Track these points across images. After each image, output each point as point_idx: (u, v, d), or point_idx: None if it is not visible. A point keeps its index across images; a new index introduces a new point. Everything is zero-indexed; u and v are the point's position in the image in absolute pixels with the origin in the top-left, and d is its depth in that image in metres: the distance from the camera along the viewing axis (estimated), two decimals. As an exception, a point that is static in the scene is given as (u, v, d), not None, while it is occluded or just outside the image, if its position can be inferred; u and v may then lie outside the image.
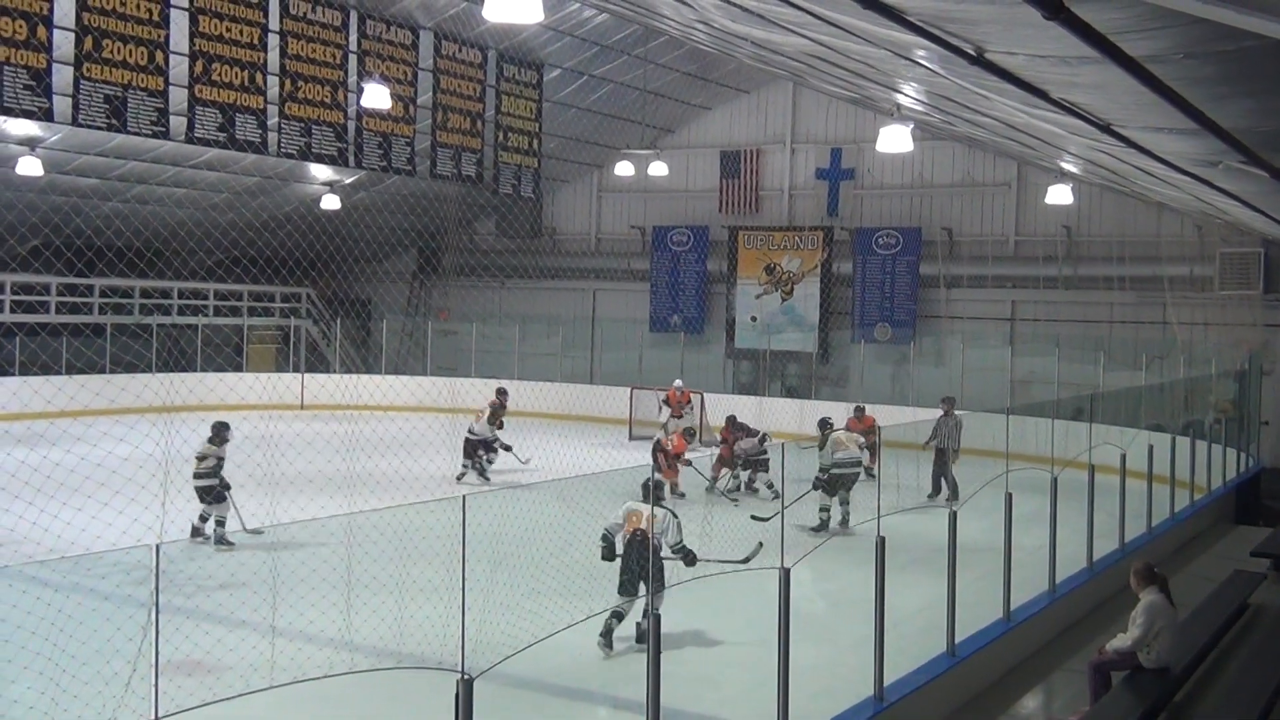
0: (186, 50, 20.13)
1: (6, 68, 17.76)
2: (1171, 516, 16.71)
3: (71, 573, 12.88)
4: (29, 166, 23.46)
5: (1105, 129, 9.18)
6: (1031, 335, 28.72)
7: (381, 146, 23.97)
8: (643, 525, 10.43)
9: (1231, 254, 25.77)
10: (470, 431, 20.30)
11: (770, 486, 18.04)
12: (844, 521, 16.28)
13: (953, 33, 6.84)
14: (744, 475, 19.13)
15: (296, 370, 32.14)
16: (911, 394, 27.28)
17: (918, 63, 9.43)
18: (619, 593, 10.41)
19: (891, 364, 29.58)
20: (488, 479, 20.00)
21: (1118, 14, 5.18)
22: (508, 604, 7.86)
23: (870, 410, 21.03)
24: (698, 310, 33.09)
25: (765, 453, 18.70)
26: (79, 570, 12.93)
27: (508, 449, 20.30)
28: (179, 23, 20.02)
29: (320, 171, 28.83)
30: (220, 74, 20.53)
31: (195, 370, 29.85)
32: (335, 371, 32.58)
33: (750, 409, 25.20)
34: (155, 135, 20.14)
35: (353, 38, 22.95)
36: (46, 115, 18.65)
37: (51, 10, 18.26)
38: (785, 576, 7.77)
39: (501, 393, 21.64)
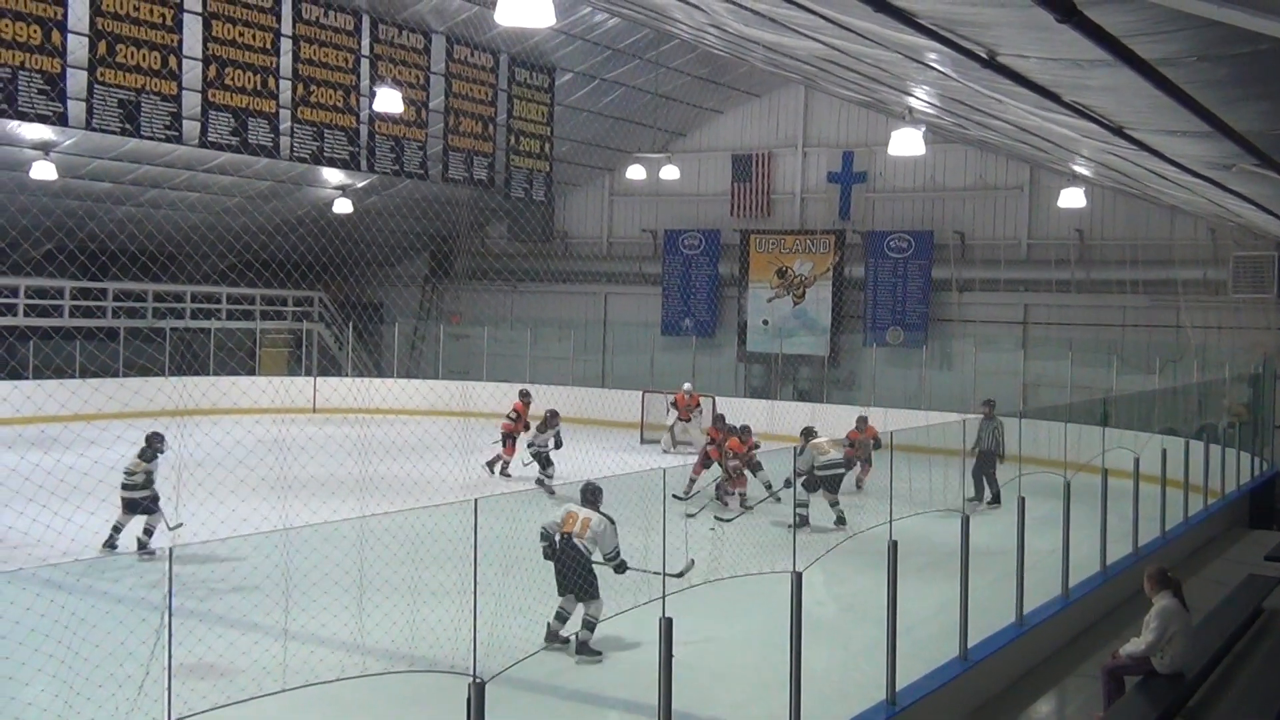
0: (200, 55, 20.21)
1: (21, 73, 17.85)
2: (1185, 521, 16.64)
3: (85, 575, 12.93)
4: (43, 171, 23.55)
5: (1118, 132, 9.16)
6: (1044, 339, 28.64)
7: (394, 150, 24.03)
8: (574, 529, 10.45)
9: (1245, 257, 25.67)
10: (530, 445, 19.73)
11: (769, 487, 17.98)
12: (839, 520, 16.30)
13: (964, 36, 6.83)
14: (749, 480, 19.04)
15: (309, 374, 32.21)
16: (924, 398, 27.22)
17: (929, 66, 9.42)
18: (559, 593, 10.48)
19: (903, 367, 29.53)
20: (553, 492, 18.39)
21: (1130, 17, 5.17)
22: (520, 607, 7.85)
23: (883, 414, 20.99)
24: (709, 314, 33.08)
25: (754, 455, 18.77)
26: (92, 573, 12.99)
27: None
28: (192, 27, 20.11)
29: (332, 175, 28.89)
30: (233, 78, 20.61)
31: (208, 374, 29.92)
32: (347, 375, 32.66)
33: (762, 413, 25.20)
34: (168, 139, 20.25)
35: (365, 42, 23.02)
36: (60, 120, 18.73)
37: (65, 15, 18.34)
38: (797, 580, 7.77)
39: (525, 395, 21.61)
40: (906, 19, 6.49)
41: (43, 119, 18.60)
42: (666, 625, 6.88)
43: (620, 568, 10.47)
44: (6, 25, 17.57)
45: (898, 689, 8.71)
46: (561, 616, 10.57)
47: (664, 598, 6.77)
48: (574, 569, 10.37)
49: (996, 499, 17.37)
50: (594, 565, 10.53)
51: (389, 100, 21.66)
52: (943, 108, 15.20)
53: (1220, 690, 10.45)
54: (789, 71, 21.02)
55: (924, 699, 8.91)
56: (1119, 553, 13.73)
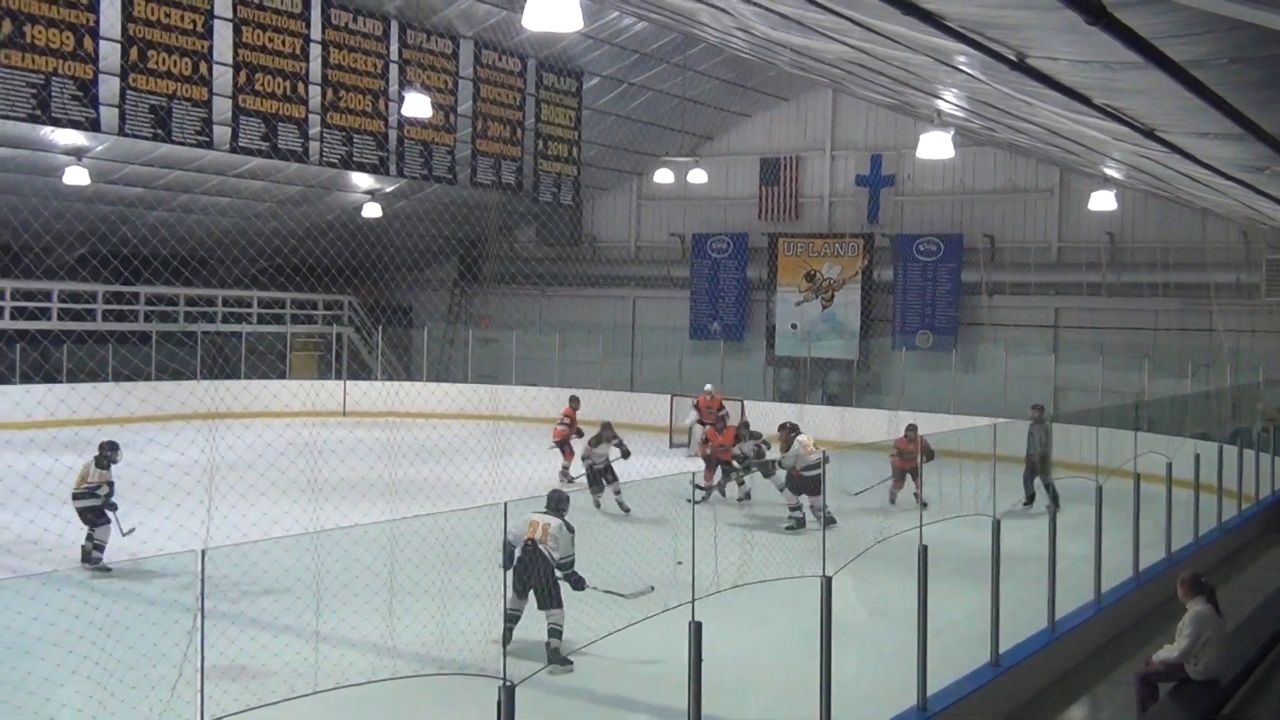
0: (230, 61, 20.35)
1: (54, 79, 18.01)
2: (1219, 526, 16.50)
3: (118, 578, 13.04)
4: (76, 176, 23.79)
5: (1149, 134, 9.10)
6: (1075, 342, 28.46)
7: (422, 155, 24.12)
8: (536, 534, 10.42)
9: (1278, 260, 25.44)
10: (585, 458, 18.64)
11: (782, 490, 17.91)
12: (830, 521, 16.19)
13: (993, 38, 6.80)
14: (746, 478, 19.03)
15: (339, 377, 32.38)
16: (953, 402, 27.08)
17: (958, 69, 9.38)
18: (516, 595, 10.36)
19: (932, 371, 29.38)
20: (627, 509, 17.59)
21: (1161, 19, 5.14)
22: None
23: (911, 418, 20.71)
24: (738, 317, 33.04)
25: (764, 454, 18.78)
26: (126, 575, 13.09)
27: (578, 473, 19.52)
28: (222, 33, 20.26)
29: (362, 180, 29.04)
30: (263, 84, 20.74)
31: (239, 377, 30.13)
32: (377, 379, 32.82)
33: (791, 417, 25.09)
34: (199, 145, 20.42)
35: (394, 47, 23.12)
36: (93, 125, 18.91)
37: (98, 22, 18.49)
38: (827, 585, 7.75)
39: (575, 400, 21.50)
40: (935, 21, 6.47)
41: (75, 125, 18.77)
42: (696, 629, 6.87)
43: (578, 584, 10.39)
44: (40, 32, 17.73)
45: (929, 694, 8.66)
46: (513, 617, 10.33)
47: (693, 602, 6.77)
48: (538, 574, 10.31)
49: (1055, 501, 16.94)
50: (557, 575, 10.46)
51: (417, 105, 21.73)
52: (972, 110, 15.13)
53: (1255, 697, 10.33)
54: (816, 75, 20.97)
55: (955, 705, 8.85)
56: (1152, 558, 13.63)
